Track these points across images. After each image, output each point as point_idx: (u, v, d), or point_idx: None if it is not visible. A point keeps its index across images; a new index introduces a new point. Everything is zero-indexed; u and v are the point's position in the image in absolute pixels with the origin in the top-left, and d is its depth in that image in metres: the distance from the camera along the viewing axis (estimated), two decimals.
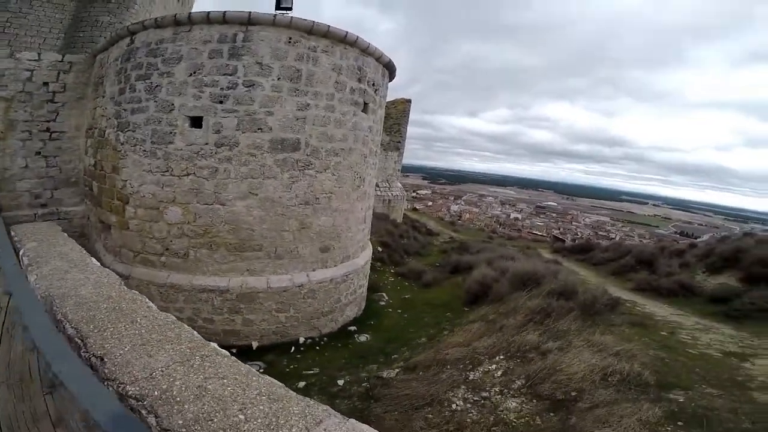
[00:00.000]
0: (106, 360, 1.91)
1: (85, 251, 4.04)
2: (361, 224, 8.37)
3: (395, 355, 6.47)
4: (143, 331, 2.25)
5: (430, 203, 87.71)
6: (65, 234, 5.15)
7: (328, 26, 6.43)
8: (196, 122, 6.28)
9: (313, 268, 7.20)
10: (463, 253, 16.45)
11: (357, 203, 7.86)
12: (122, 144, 6.72)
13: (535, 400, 3.52)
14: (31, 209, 7.70)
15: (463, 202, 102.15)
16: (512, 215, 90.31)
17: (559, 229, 73.63)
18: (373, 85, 7.60)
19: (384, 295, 10.18)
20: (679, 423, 3.11)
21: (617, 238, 53.17)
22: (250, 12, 6.12)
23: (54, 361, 1.45)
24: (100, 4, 13.38)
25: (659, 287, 9.72)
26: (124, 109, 6.71)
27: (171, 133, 6.32)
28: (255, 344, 6.67)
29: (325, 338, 7.31)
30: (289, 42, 6.27)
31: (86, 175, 8.05)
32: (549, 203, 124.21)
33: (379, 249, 14.56)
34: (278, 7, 7.14)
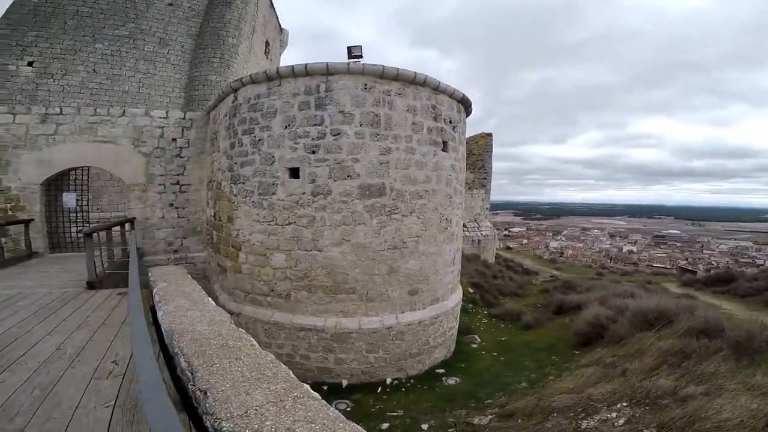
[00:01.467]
0: (209, 395, 2.02)
1: (204, 292, 4.60)
2: (450, 266, 8.17)
3: (488, 401, 5.93)
4: (245, 368, 2.39)
5: (525, 241, 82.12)
6: (190, 276, 5.94)
7: (398, 69, 6.78)
8: (294, 173, 6.93)
9: (402, 310, 7.19)
10: (568, 291, 14.88)
11: (444, 245, 7.76)
12: (235, 195, 7.64)
13: None
14: (165, 254, 9.12)
15: (563, 238, 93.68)
16: (625, 248, 79.63)
17: (686, 259, 62.47)
18: (450, 122, 7.69)
19: (476, 337, 9.70)
20: None
21: (767, 264, 42.96)
22: (327, 63, 6.75)
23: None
24: (207, 63, 15.40)
25: None
26: (235, 163, 7.66)
27: (274, 184, 7.04)
28: (345, 382, 6.83)
29: (412, 380, 7.18)
30: (365, 88, 6.73)
31: (207, 225, 9.25)
32: (670, 231, 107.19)
33: (471, 290, 14.12)
34: (350, 56, 7.82)
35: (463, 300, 12.56)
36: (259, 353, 2.75)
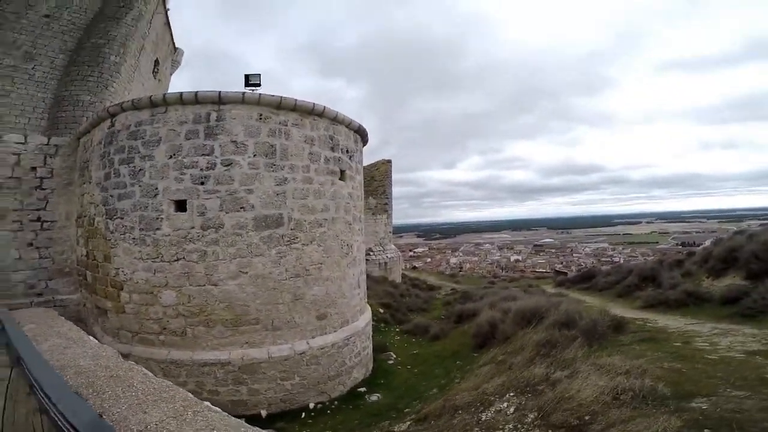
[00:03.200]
0: (104, 416, 1.98)
1: (83, 331, 4.09)
2: (356, 289, 8.36)
3: (407, 409, 6.23)
4: (140, 393, 2.41)
5: (429, 260, 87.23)
6: (62, 318, 5.16)
7: (296, 99, 6.93)
8: (181, 206, 6.48)
9: (312, 335, 7.13)
10: (466, 301, 16.28)
11: (348, 270, 7.93)
12: (112, 233, 6.86)
13: (550, 431, 3.33)
14: (27, 298, 7.59)
15: (461, 253, 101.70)
16: (512, 258, 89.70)
17: (561, 263, 72.95)
18: (347, 151, 8.04)
19: (392, 353, 10.06)
20: (706, 430, 2.94)
21: (621, 261, 52.69)
22: (220, 91, 6.55)
23: (67, 413, 1.52)
24: (80, 82, 13.23)
25: (667, 300, 9.54)
26: (111, 195, 6.91)
27: (158, 218, 6.49)
28: (264, 413, 6.55)
29: (336, 402, 7.22)
30: (261, 118, 6.71)
31: (79, 265, 8.03)
32: (545, 240, 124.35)
33: (381, 311, 14.57)
34: (247, 84, 7.69)
35: (374, 320, 12.64)
36: (154, 380, 2.72)
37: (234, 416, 6.16)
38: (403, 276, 26.44)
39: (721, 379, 4.01)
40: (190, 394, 2.36)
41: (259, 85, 7.72)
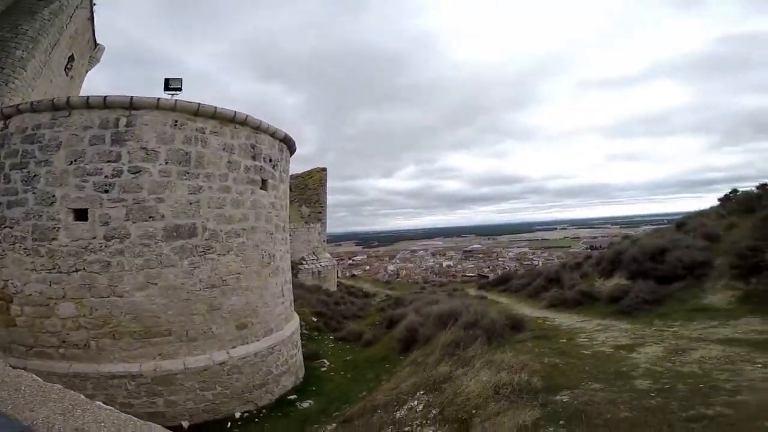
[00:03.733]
0: None
1: None
2: (279, 298, 8.30)
3: (337, 413, 6.39)
4: (27, 395, 2.33)
5: (368, 267, 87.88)
6: None
7: (215, 107, 6.79)
8: (81, 215, 6.04)
9: (233, 345, 7.00)
10: (398, 307, 16.74)
11: (270, 279, 7.86)
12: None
13: (446, 425, 3.66)
14: None
15: (398, 260, 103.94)
16: (444, 263, 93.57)
17: (488, 267, 77.69)
18: (271, 160, 8.00)
19: (325, 361, 10.18)
20: (561, 422, 3.28)
21: (540, 264, 57.62)
22: (132, 96, 6.24)
23: None
24: None
25: (566, 300, 10.74)
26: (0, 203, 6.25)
27: (54, 228, 5.99)
28: (186, 424, 6.30)
29: (264, 410, 7.16)
30: (176, 125, 6.48)
31: None
32: (474, 246, 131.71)
33: (314, 319, 14.58)
34: (167, 88, 7.33)
35: (308, 328, 12.89)
36: (44, 384, 2.64)
37: None
38: (339, 284, 26.39)
39: (587, 373, 4.54)
40: (82, 396, 2.37)
41: (179, 89, 7.41)
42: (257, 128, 7.57)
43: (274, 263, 8.03)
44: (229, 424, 6.54)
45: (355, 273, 63.50)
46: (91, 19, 18.38)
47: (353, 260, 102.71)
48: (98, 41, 20.11)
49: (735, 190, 13.36)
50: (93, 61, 21.10)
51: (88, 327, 6.02)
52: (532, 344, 6.07)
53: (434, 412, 4.02)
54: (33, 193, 6.08)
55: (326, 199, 24.37)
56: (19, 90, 12.69)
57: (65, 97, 6.31)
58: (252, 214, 7.36)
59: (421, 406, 4.66)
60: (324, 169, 24.34)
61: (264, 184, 7.72)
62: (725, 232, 10.27)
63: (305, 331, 13.33)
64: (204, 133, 6.73)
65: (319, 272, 22.36)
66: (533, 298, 13.71)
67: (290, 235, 22.60)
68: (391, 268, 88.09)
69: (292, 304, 9.49)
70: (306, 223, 22.23)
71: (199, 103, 6.66)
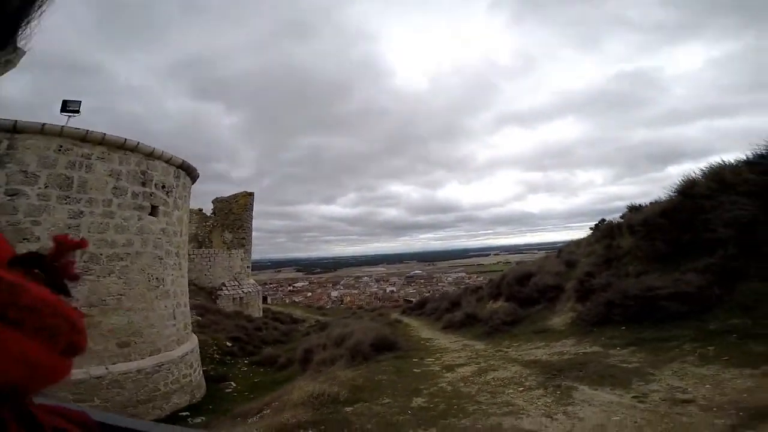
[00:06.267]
0: None
1: None
2: (170, 320, 8.40)
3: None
4: None
5: (310, 293, 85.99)
6: None
7: (104, 134, 7.04)
8: None
9: (113, 361, 7.08)
10: (321, 332, 16.95)
11: (158, 302, 8.02)
12: None
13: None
14: None
15: (341, 287, 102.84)
16: (388, 289, 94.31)
17: (428, 291, 79.63)
18: (163, 187, 8.26)
19: (232, 383, 10.43)
20: (322, 427, 3.87)
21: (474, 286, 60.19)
22: (16, 120, 6.32)
23: None
24: None
25: (455, 322, 11.81)
26: None
27: None
28: None
29: None
30: (60, 150, 6.63)
31: None
32: (416, 272, 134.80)
33: (228, 344, 14.61)
34: (64, 110, 7.33)
35: (220, 353, 13.10)
36: None
37: None
38: (266, 310, 25.91)
39: (393, 389, 5.10)
40: None
41: (77, 112, 7.49)
42: (150, 155, 7.86)
43: (164, 287, 8.18)
44: None
45: (296, 300, 61.90)
46: None
47: (294, 287, 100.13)
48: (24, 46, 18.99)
49: (603, 220, 15.61)
50: (9, 65, 19.75)
51: None
52: (387, 363, 6.70)
53: (266, 412, 4.61)
54: None
55: (251, 224, 24.17)
56: None
57: None
58: (138, 239, 7.55)
59: (268, 410, 5.17)
60: (251, 194, 24.08)
61: (154, 210, 7.95)
62: (585, 258, 12.05)
63: (217, 356, 13.26)
64: (89, 158, 6.92)
65: (241, 298, 21.95)
66: (439, 320, 14.73)
67: (210, 261, 22.07)
68: (334, 294, 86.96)
69: (188, 327, 9.56)
70: (228, 248, 21.90)
71: (87, 130, 6.88)
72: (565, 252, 13.77)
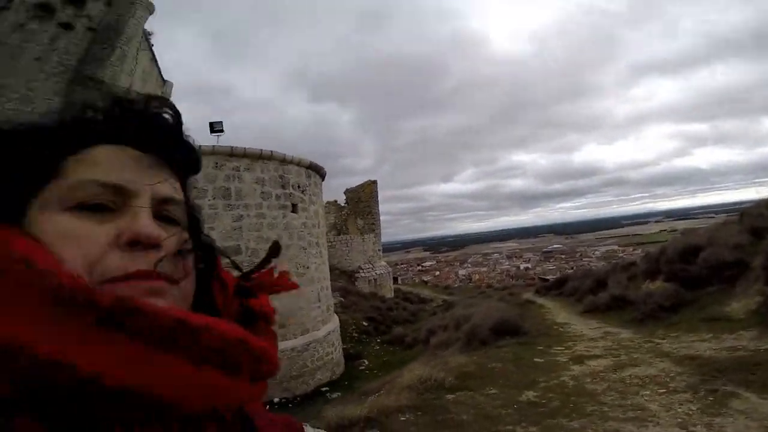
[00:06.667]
0: None
1: None
2: (315, 303, 9.64)
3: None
4: None
5: (438, 273, 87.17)
6: None
7: (245, 148, 8.33)
8: None
9: None
10: (446, 312, 17.23)
11: (304, 288, 9.22)
12: None
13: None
14: None
15: (469, 265, 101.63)
16: (522, 266, 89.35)
17: (572, 268, 72.59)
18: (299, 187, 9.42)
19: (365, 361, 11.31)
20: (419, 412, 3.87)
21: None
22: None
23: None
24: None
25: (598, 305, 10.48)
26: None
27: None
28: None
29: (298, 398, 8.51)
30: (216, 166, 8.09)
31: None
32: (554, 246, 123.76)
33: (365, 323, 15.88)
34: (212, 131, 9.01)
35: (357, 332, 14.37)
36: None
37: None
38: (397, 290, 27.50)
39: (505, 379, 4.81)
40: None
41: (222, 131, 9.06)
42: (283, 160, 9.02)
43: (309, 273, 9.41)
44: (267, 407, 7.97)
45: (425, 279, 63.84)
46: (154, 59, 21.90)
47: (422, 266, 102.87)
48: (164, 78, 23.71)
49: None
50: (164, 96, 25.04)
51: None
52: (507, 350, 6.35)
53: (382, 392, 4.89)
54: None
55: (378, 210, 25.70)
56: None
57: None
58: (285, 234, 8.82)
59: (383, 391, 5.48)
60: (374, 182, 25.67)
61: (294, 208, 9.15)
62: None
63: (355, 335, 14.61)
64: (239, 170, 8.30)
65: (375, 280, 23.69)
66: (580, 302, 13.31)
67: (348, 246, 24.26)
68: (462, 272, 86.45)
69: (330, 308, 10.83)
70: (361, 234, 23.77)
71: (232, 146, 8.24)
72: (749, 216, 10.73)
